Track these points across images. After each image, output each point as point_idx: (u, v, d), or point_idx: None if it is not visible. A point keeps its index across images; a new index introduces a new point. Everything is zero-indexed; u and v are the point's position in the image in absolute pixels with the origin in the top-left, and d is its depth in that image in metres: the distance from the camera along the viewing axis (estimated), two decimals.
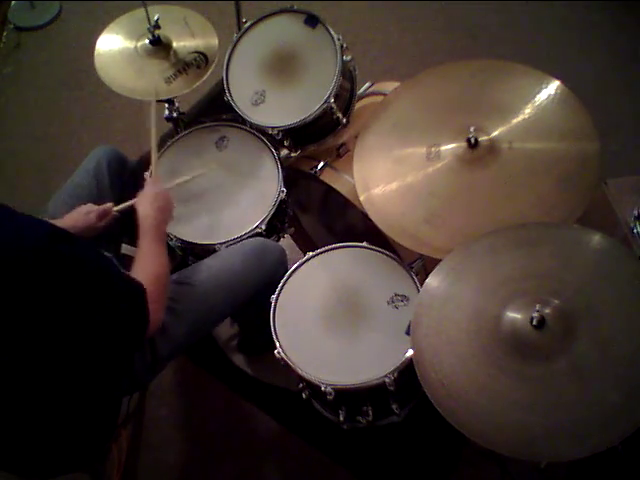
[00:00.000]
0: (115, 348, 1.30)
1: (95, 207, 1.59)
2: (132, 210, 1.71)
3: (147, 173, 1.69)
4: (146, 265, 1.41)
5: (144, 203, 1.54)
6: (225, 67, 1.81)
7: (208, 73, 1.83)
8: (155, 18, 1.80)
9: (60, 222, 1.52)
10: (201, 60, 1.84)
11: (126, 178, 1.80)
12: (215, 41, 1.87)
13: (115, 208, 1.63)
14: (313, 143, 1.83)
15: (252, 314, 1.74)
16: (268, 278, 1.64)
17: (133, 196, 1.79)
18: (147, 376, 1.57)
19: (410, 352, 1.42)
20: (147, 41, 1.82)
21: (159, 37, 1.82)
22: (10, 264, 1.13)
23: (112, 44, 1.85)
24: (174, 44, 1.85)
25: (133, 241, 1.54)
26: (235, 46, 1.82)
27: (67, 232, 1.26)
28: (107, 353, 1.29)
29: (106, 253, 1.56)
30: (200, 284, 1.57)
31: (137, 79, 1.80)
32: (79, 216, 1.57)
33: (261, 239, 1.72)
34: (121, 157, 1.81)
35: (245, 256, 1.64)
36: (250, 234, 1.71)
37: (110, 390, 1.39)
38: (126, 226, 1.75)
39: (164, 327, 1.45)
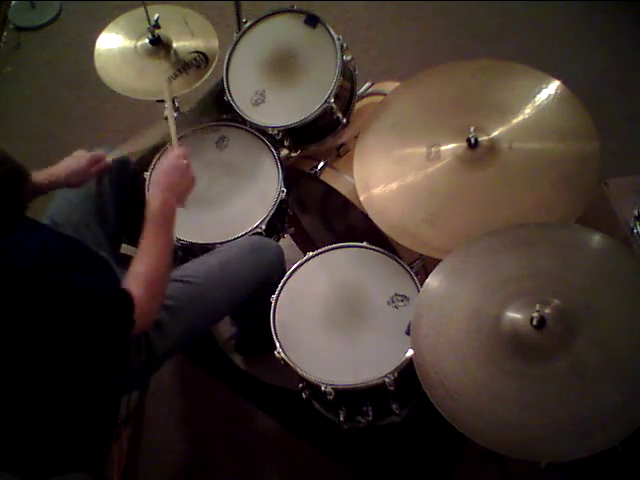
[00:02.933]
0: (102, 350, 1.30)
1: (87, 153, 1.57)
2: (132, 207, 1.71)
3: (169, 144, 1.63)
4: (148, 260, 1.36)
5: (157, 177, 1.46)
6: (225, 67, 1.81)
7: (208, 73, 1.83)
8: (155, 18, 1.80)
9: (53, 169, 1.52)
10: (201, 60, 1.84)
11: (127, 179, 1.79)
12: (215, 41, 1.86)
13: (109, 156, 1.61)
14: (313, 143, 1.83)
15: (251, 314, 1.74)
16: (266, 276, 1.64)
17: (133, 197, 1.79)
18: (144, 374, 1.57)
19: (410, 352, 1.42)
20: (147, 41, 1.82)
21: (159, 37, 1.82)
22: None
23: (112, 44, 1.85)
24: (174, 44, 1.85)
25: (133, 240, 1.53)
26: (235, 46, 1.82)
27: (64, 245, 1.27)
28: (95, 354, 1.29)
29: (103, 253, 1.55)
30: (197, 281, 1.56)
31: (137, 79, 1.80)
32: (71, 160, 1.55)
33: (258, 237, 1.71)
34: (122, 158, 1.80)
35: (242, 253, 1.64)
36: (250, 234, 1.70)
37: (106, 388, 1.39)
38: (126, 225, 1.76)
39: (160, 324, 1.45)
